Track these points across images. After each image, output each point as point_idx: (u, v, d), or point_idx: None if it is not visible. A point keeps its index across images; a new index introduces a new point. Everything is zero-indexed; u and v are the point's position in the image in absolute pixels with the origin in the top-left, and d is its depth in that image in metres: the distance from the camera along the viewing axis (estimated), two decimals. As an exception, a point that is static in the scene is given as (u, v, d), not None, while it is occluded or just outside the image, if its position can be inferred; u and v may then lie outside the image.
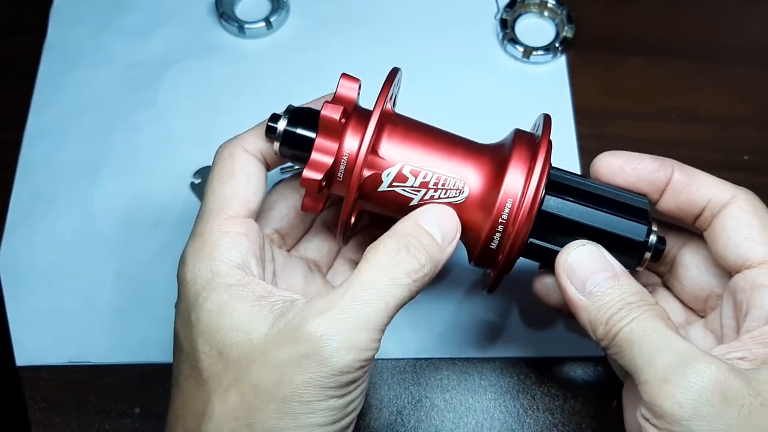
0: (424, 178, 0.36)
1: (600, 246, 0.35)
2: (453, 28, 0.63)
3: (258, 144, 0.38)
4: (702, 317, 0.40)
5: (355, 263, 0.44)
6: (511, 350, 0.51)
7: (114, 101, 0.61)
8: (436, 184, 0.36)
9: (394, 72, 0.37)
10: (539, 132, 0.38)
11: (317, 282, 0.42)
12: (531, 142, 0.38)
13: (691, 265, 0.40)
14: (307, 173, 0.36)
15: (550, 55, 0.61)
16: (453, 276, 0.52)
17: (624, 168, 0.38)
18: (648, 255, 0.37)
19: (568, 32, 0.62)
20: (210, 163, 0.58)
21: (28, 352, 0.51)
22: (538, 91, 0.60)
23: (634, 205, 0.37)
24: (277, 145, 0.38)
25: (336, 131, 0.36)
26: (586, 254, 0.35)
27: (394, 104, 0.40)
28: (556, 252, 0.36)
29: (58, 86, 0.62)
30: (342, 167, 0.36)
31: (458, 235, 0.36)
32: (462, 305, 0.52)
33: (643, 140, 0.58)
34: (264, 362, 0.31)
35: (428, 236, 0.34)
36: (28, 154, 0.59)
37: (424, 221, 0.35)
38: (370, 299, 0.31)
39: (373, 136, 0.35)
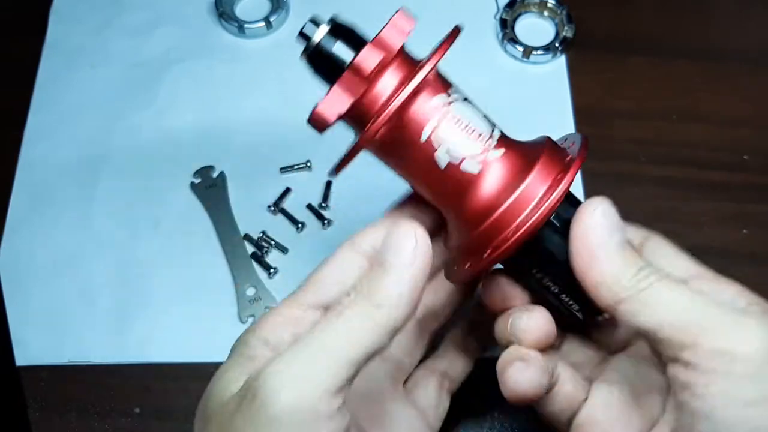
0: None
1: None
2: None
3: (365, 238, 0.35)
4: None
5: (443, 377, 0.42)
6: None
7: (114, 101, 0.61)
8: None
9: (455, 32, 0.35)
10: (572, 147, 0.36)
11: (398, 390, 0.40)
12: (563, 154, 0.36)
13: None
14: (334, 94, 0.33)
15: (550, 55, 0.61)
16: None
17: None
18: None
19: (567, 32, 0.62)
20: (210, 163, 0.58)
21: (27, 351, 0.51)
22: (537, 90, 0.60)
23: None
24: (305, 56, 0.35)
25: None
26: (612, 209, 0.33)
27: None
28: (551, 257, 0.34)
29: (58, 86, 0.62)
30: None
31: (421, 248, 0.31)
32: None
33: (642, 140, 0.58)
34: (219, 413, 0.30)
35: (381, 268, 0.31)
36: (28, 154, 0.59)
37: (379, 254, 0.32)
38: (316, 331, 0.30)
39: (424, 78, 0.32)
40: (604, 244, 0.32)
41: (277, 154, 0.58)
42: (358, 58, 0.33)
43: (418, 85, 0.32)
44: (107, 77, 0.62)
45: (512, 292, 0.37)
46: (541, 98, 0.60)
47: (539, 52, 0.61)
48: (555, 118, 0.59)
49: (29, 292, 0.53)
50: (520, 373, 0.34)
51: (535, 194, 0.33)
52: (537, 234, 0.33)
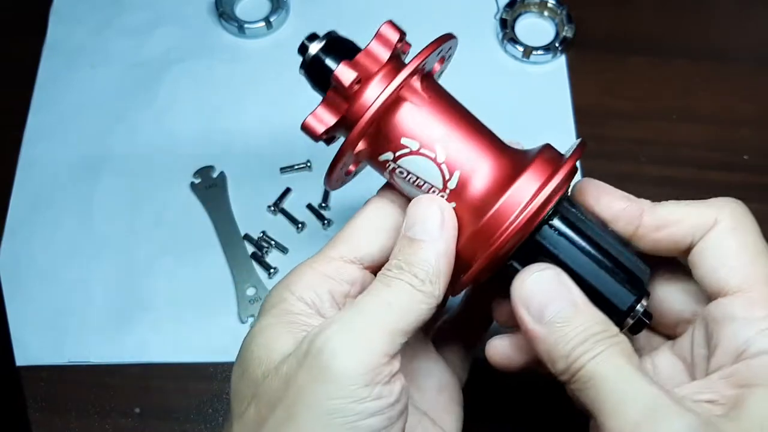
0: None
1: (562, 271, 0.32)
2: (453, 28, 0.62)
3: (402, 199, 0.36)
4: (668, 339, 0.37)
5: (467, 330, 0.43)
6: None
7: (114, 101, 0.61)
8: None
9: (442, 39, 0.34)
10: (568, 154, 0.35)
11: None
12: (556, 160, 0.34)
13: (660, 289, 0.37)
14: (317, 113, 0.34)
15: (550, 55, 0.61)
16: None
17: (599, 199, 0.35)
18: (629, 322, 0.33)
19: (567, 32, 0.62)
20: (210, 163, 0.58)
21: (28, 351, 0.51)
22: (537, 90, 0.60)
23: (632, 271, 0.34)
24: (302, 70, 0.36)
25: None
26: (546, 279, 0.32)
27: (439, 74, 0.38)
28: None
29: (58, 86, 0.62)
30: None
31: (447, 218, 0.33)
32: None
33: (642, 140, 0.58)
34: (276, 374, 0.30)
35: (412, 242, 0.33)
36: (28, 154, 0.59)
37: (406, 229, 0.33)
38: (370, 300, 0.31)
39: (396, 90, 0.32)
40: (534, 324, 0.31)
41: (277, 154, 0.58)
42: (334, 74, 0.33)
43: (377, 111, 0.32)
44: (107, 77, 0.62)
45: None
46: (541, 98, 0.60)
47: (539, 52, 0.61)
48: (555, 118, 0.59)
49: (29, 292, 0.53)
50: (494, 342, 0.36)
51: (522, 200, 0.32)
52: (526, 241, 0.33)
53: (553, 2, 0.63)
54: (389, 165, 0.34)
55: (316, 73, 0.35)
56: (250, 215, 0.56)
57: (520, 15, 0.64)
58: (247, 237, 0.55)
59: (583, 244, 0.33)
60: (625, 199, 0.35)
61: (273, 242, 0.54)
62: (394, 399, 0.30)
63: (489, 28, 0.63)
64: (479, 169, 0.34)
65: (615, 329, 0.31)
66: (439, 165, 0.34)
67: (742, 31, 0.64)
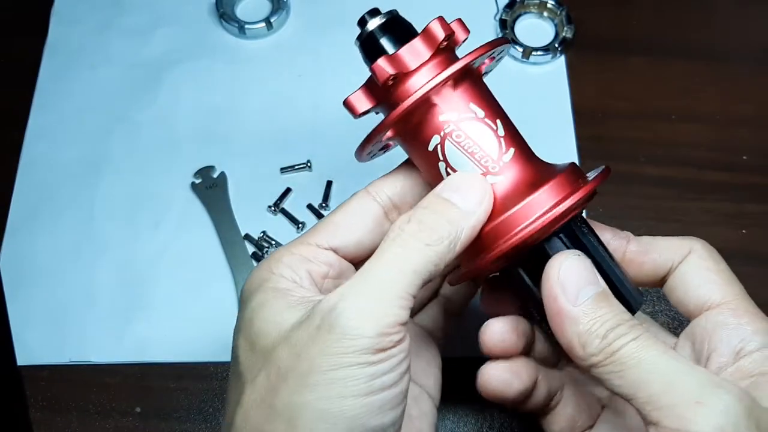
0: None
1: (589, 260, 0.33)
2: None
3: (382, 187, 0.37)
4: None
5: (445, 299, 0.44)
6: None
7: (114, 101, 0.61)
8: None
9: (497, 42, 0.35)
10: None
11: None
12: (578, 180, 0.35)
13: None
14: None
15: (550, 56, 0.61)
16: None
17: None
18: None
19: (567, 33, 0.62)
20: (210, 163, 0.58)
21: (29, 351, 0.51)
22: (537, 91, 0.60)
23: (628, 299, 0.35)
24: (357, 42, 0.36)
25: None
26: (583, 264, 0.32)
27: (483, 74, 0.38)
28: (529, 290, 0.35)
29: (58, 86, 0.62)
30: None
31: (487, 198, 0.34)
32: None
33: (642, 140, 0.58)
34: (286, 344, 0.31)
35: (447, 205, 0.33)
36: (29, 154, 0.59)
37: (444, 191, 0.34)
38: (383, 269, 0.31)
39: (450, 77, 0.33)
40: (569, 305, 0.31)
41: (277, 154, 0.58)
42: (371, 67, 0.34)
43: (423, 96, 0.33)
44: (108, 78, 0.62)
45: (502, 301, 0.39)
46: (541, 99, 0.60)
47: (539, 52, 0.61)
48: (555, 118, 0.59)
49: (30, 292, 0.53)
50: (489, 369, 0.37)
51: (535, 211, 0.33)
52: (534, 247, 0.34)
53: (553, 3, 0.63)
54: (449, 126, 0.34)
55: (369, 48, 0.35)
56: (251, 215, 0.56)
57: (519, 16, 0.64)
58: (247, 237, 0.55)
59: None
60: (611, 230, 0.38)
61: (273, 242, 0.55)
62: (403, 356, 0.31)
63: (489, 28, 0.63)
64: (524, 157, 0.35)
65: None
66: (498, 138, 0.35)
67: (742, 31, 0.64)
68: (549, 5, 0.63)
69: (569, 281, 0.32)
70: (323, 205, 0.56)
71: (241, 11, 0.65)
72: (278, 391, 0.30)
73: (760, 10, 0.65)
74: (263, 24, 0.63)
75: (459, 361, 0.51)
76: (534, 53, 0.61)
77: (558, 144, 0.57)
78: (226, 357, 0.35)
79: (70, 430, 0.50)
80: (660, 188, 0.57)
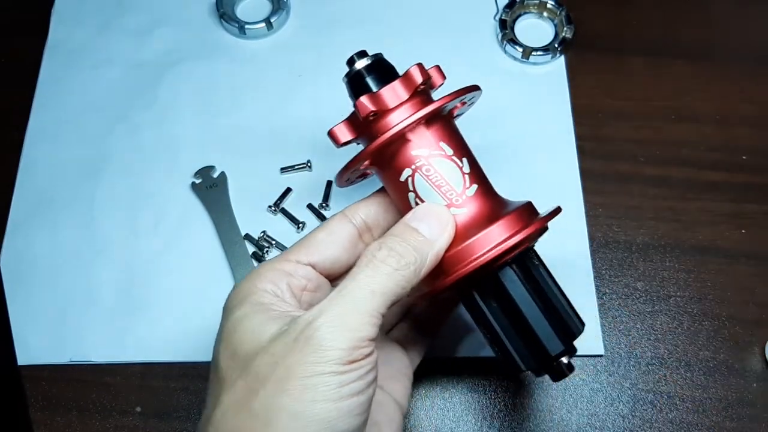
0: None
1: None
2: (452, 29, 0.64)
3: (358, 211, 0.42)
4: None
5: (415, 319, 0.48)
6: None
7: (115, 101, 0.61)
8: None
9: (468, 89, 0.40)
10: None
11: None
12: (529, 217, 0.39)
13: None
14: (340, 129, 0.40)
15: (549, 56, 0.61)
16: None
17: None
18: (554, 365, 0.38)
19: (567, 33, 0.62)
20: (210, 163, 0.58)
21: (29, 351, 0.52)
22: (537, 91, 0.60)
23: (569, 326, 0.39)
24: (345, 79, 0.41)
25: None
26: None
27: (455, 116, 0.42)
28: (481, 311, 0.39)
29: (59, 86, 0.62)
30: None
31: (449, 228, 0.38)
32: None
33: (642, 140, 0.58)
34: (265, 353, 0.34)
35: (414, 233, 0.37)
36: (29, 154, 0.59)
37: (412, 220, 0.38)
38: (356, 290, 0.35)
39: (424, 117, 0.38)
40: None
41: (277, 154, 0.58)
42: (355, 103, 0.38)
43: (399, 132, 0.37)
44: (108, 78, 0.62)
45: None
46: (541, 99, 0.60)
47: (538, 52, 0.61)
48: (554, 118, 0.59)
49: (31, 292, 0.54)
50: None
51: (490, 242, 0.37)
52: (488, 273, 0.38)
53: (553, 3, 0.63)
54: (420, 161, 0.39)
55: (355, 85, 0.40)
56: (251, 215, 0.56)
57: (519, 16, 0.64)
58: (247, 237, 0.55)
59: (533, 290, 0.39)
60: None
61: (273, 242, 0.55)
62: (370, 366, 0.34)
63: (488, 28, 0.63)
64: (485, 193, 0.39)
65: None
66: (464, 174, 0.39)
67: (741, 31, 0.64)
68: (549, 5, 0.63)
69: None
70: (323, 205, 0.56)
71: (241, 11, 0.65)
72: (256, 394, 0.33)
73: (760, 10, 0.65)
74: (263, 24, 0.63)
75: (459, 361, 0.51)
76: (534, 53, 0.61)
77: (558, 144, 0.57)
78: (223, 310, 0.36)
79: (70, 430, 0.50)
80: (660, 188, 0.57)
